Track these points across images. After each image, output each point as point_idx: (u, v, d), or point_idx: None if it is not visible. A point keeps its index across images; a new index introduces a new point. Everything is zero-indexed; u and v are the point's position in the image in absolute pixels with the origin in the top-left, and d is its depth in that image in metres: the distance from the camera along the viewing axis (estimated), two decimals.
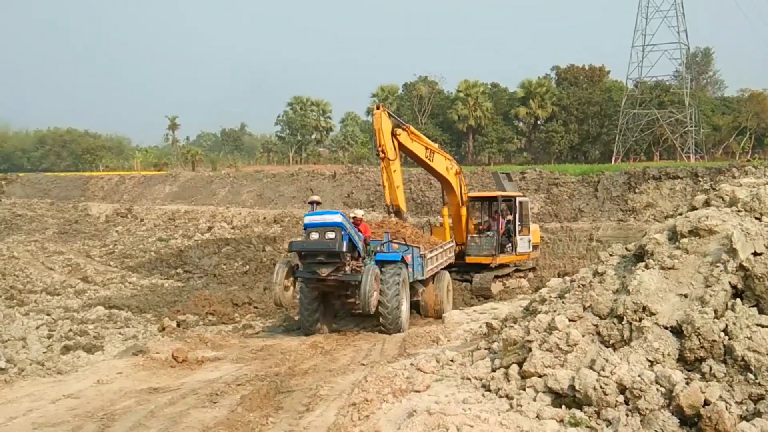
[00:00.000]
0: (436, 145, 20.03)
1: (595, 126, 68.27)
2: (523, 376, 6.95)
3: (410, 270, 14.72)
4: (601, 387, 6.12)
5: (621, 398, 6.06)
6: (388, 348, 11.25)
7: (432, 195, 32.76)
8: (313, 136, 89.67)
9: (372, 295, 12.56)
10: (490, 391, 7.10)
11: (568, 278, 8.82)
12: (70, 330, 14.56)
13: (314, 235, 12.71)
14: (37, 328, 14.65)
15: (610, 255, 8.16)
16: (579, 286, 7.71)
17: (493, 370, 7.50)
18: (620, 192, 29.92)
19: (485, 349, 8.50)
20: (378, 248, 14.41)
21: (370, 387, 7.73)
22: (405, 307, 13.98)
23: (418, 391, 7.40)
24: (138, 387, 9.20)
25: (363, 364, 9.97)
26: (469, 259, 20.34)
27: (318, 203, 13.91)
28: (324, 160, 76.56)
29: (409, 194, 33.22)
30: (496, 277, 20.30)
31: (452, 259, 18.77)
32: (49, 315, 16.44)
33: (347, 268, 12.97)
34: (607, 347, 6.71)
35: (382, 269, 13.59)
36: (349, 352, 11.29)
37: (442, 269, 17.12)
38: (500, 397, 6.88)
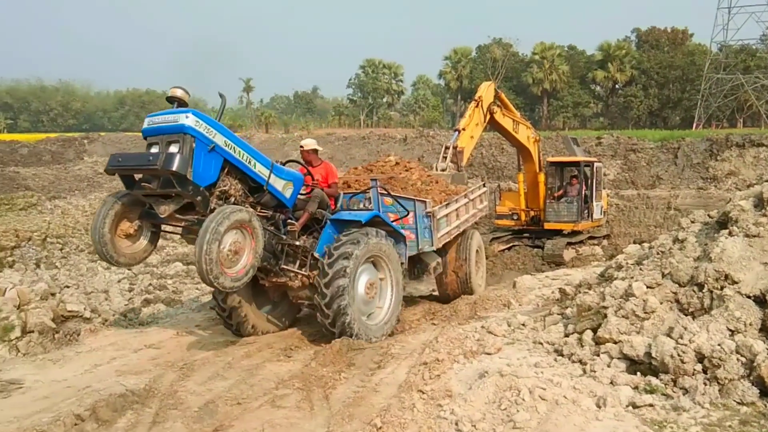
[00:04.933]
0: (519, 114, 19.83)
1: (676, 91, 66.06)
2: (597, 342, 6.87)
3: (414, 237, 10.37)
4: (678, 355, 6.00)
5: (699, 367, 5.93)
6: (459, 309, 11.23)
7: (504, 160, 32.38)
8: (385, 100, 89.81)
9: (227, 262, 7.23)
10: (562, 355, 7.05)
11: (646, 245, 8.63)
12: (150, 284, 15.06)
13: (154, 149, 7.43)
14: (119, 281, 15.20)
15: (692, 222, 7.93)
16: (658, 253, 7.53)
17: (566, 336, 7.44)
18: (701, 159, 28.96)
19: (558, 314, 8.43)
20: (362, 204, 10.01)
21: (441, 347, 7.77)
22: (357, 295, 8.77)
23: (489, 354, 7.41)
24: (215, 340, 9.50)
25: (434, 324, 10.03)
26: (548, 225, 20.09)
27: (181, 103, 7.55)
28: (395, 123, 76.55)
29: (480, 159, 32.96)
30: (569, 243, 20.02)
31: (482, 212, 13.99)
32: (129, 269, 17.03)
33: (212, 206, 7.52)
34: (686, 315, 6.56)
35: (336, 236, 8.86)
36: (419, 312, 11.35)
37: (466, 228, 12.26)
38: (573, 362, 6.83)
